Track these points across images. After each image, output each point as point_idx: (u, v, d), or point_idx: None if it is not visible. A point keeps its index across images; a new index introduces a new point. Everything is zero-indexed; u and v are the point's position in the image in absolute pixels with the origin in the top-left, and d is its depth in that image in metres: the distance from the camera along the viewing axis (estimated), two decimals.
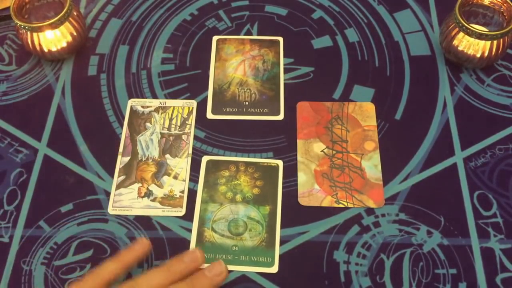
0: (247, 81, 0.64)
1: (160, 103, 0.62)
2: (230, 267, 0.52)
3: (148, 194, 0.56)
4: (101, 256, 0.53)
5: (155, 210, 0.55)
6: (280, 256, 0.52)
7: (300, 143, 0.59)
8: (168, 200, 0.55)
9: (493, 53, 0.60)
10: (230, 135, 0.60)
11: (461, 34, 0.60)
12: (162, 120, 0.60)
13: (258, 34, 0.68)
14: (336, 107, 0.61)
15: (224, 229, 0.54)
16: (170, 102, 0.62)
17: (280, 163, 0.58)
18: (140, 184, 0.56)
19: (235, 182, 0.57)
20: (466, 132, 0.60)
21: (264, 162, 0.58)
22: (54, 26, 0.62)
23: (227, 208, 0.55)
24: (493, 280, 0.51)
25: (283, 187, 0.56)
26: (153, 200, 0.55)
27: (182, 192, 0.56)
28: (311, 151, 0.58)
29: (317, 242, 0.53)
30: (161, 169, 0.57)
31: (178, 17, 0.70)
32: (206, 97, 0.63)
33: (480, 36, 0.59)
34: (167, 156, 0.58)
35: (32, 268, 0.52)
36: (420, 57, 0.66)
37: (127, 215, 0.55)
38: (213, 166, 0.58)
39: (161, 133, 0.60)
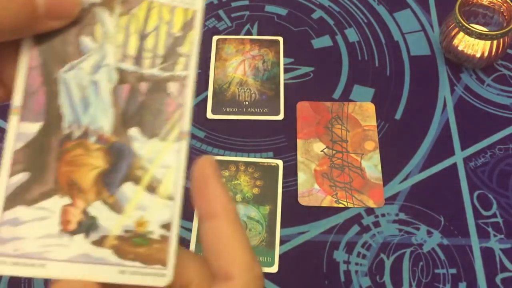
0: (247, 81, 0.64)
1: None
2: None
3: (87, 226, 0.25)
4: None
5: (101, 269, 0.24)
6: (280, 256, 0.52)
7: (300, 143, 0.59)
8: (132, 245, 0.25)
9: (493, 53, 0.60)
10: (230, 135, 0.60)
11: (461, 34, 0.60)
12: (122, 34, 0.26)
13: (258, 34, 0.68)
14: (336, 107, 0.61)
15: None
16: None
17: (280, 163, 0.58)
18: (67, 199, 0.25)
19: (235, 182, 0.57)
20: (466, 132, 0.60)
21: (264, 162, 0.58)
22: None
23: None
24: (493, 280, 0.51)
25: (283, 187, 0.56)
26: (98, 243, 0.24)
27: (167, 227, 0.25)
28: (311, 151, 0.58)
29: (317, 242, 0.53)
30: (119, 164, 0.25)
31: None
32: (206, 97, 0.63)
33: (480, 36, 0.59)
34: (133, 132, 0.26)
35: None
36: (420, 57, 0.66)
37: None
38: None
39: (118, 69, 0.26)
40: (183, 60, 0.26)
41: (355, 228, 0.54)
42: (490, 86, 0.63)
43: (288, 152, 0.59)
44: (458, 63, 0.63)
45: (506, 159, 0.58)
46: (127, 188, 0.25)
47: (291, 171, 0.57)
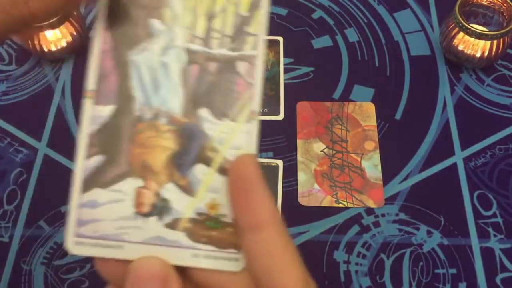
0: None
1: None
2: None
3: (159, 208, 0.25)
4: None
5: (175, 252, 0.25)
6: None
7: (300, 143, 0.59)
8: (205, 228, 0.25)
9: (493, 53, 0.60)
10: None
11: (461, 34, 0.60)
12: (190, 15, 0.27)
13: None
14: (336, 107, 0.61)
15: None
16: None
17: (280, 163, 0.58)
18: (139, 181, 0.25)
19: None
20: (466, 132, 0.60)
21: (264, 162, 0.58)
22: (54, 26, 0.62)
23: None
24: (493, 280, 0.51)
25: (283, 187, 0.56)
26: (171, 226, 0.25)
27: None
28: (311, 151, 0.58)
29: (317, 242, 0.53)
30: (190, 146, 0.25)
31: None
32: None
33: (480, 36, 0.59)
34: (203, 113, 0.26)
35: (32, 268, 0.52)
36: (420, 57, 0.66)
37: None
38: None
39: (188, 50, 0.26)
40: (251, 39, 0.26)
41: (355, 228, 0.54)
42: (490, 86, 0.63)
43: (288, 152, 0.59)
44: (458, 63, 0.63)
45: (506, 159, 0.58)
46: (199, 170, 0.25)
47: (291, 171, 0.57)
